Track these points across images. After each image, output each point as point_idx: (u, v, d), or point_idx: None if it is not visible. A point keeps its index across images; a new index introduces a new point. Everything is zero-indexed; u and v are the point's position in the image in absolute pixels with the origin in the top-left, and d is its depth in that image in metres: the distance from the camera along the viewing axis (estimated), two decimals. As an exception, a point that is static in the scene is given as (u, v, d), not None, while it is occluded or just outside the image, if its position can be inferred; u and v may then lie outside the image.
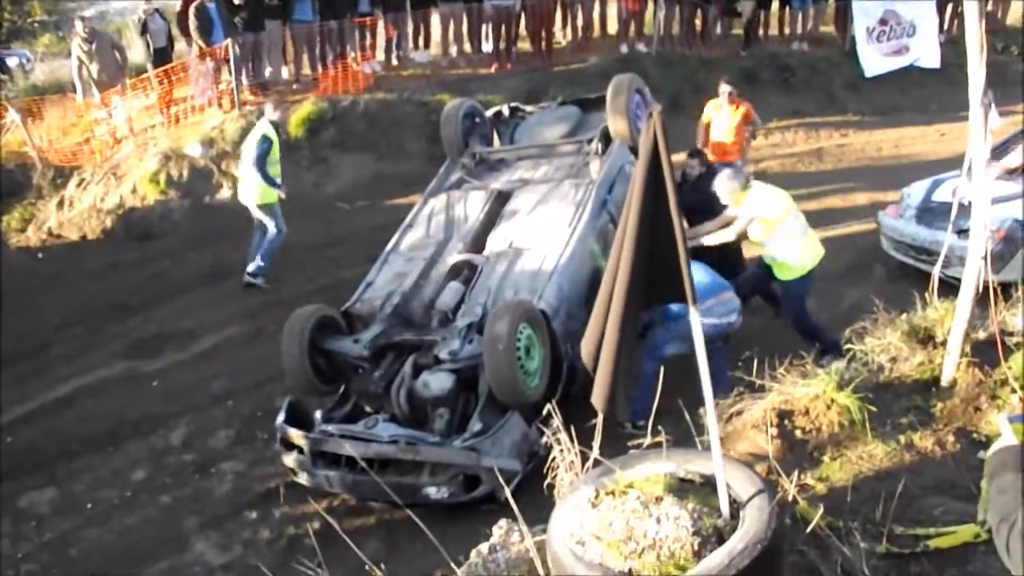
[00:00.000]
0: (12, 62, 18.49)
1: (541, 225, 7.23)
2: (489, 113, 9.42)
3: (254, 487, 6.61)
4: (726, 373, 5.79)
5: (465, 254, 7.25)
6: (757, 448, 4.29)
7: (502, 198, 7.80)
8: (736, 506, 3.13)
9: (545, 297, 6.51)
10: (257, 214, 9.64)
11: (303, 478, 6.27)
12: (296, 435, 6.21)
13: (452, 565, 3.60)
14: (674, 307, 5.98)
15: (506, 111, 9.63)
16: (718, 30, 16.69)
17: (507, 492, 3.67)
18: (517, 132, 9.23)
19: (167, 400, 7.89)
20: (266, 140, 9.33)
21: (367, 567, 3.58)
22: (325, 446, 6.09)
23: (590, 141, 8.16)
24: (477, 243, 7.39)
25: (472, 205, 7.79)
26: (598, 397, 3.07)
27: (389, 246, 7.63)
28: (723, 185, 6.96)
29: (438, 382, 6.17)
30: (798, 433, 4.46)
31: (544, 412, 4.05)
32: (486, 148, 8.80)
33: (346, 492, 6.17)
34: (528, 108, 9.78)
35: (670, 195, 2.79)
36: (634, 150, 7.93)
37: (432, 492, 5.83)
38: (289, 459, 6.27)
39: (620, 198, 7.38)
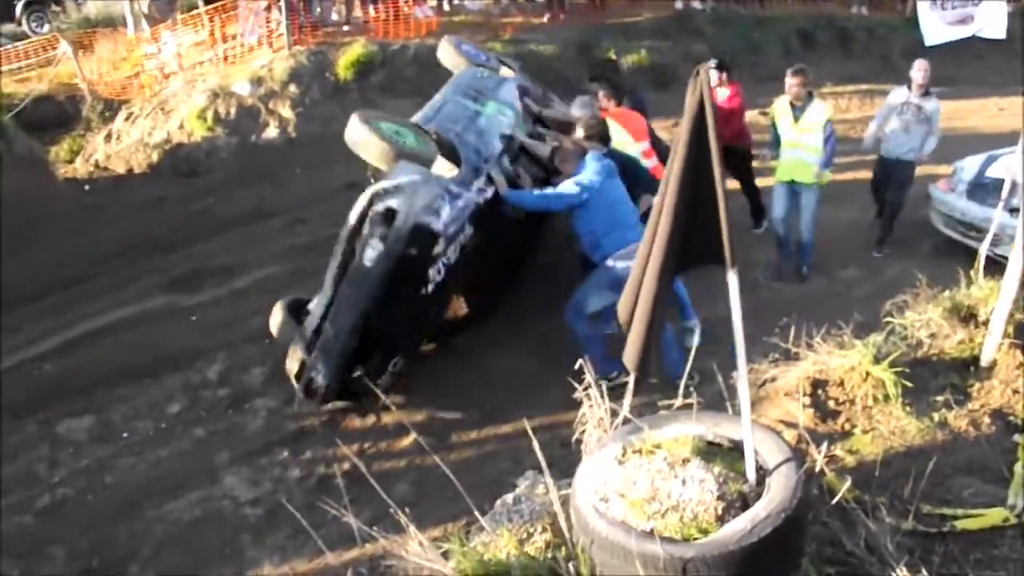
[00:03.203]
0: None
1: None
2: None
3: (286, 425, 6.67)
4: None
5: None
6: (788, 416, 4.25)
7: None
8: (763, 473, 3.11)
9: None
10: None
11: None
12: None
13: (476, 513, 3.62)
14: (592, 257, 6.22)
15: None
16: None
17: None
18: None
19: (205, 335, 7.99)
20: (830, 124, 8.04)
21: (392, 511, 3.60)
22: None
23: None
24: None
25: None
26: (630, 356, 3.04)
27: None
28: None
29: None
30: (831, 403, 4.41)
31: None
32: None
33: None
34: None
35: (714, 155, 2.73)
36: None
37: None
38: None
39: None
